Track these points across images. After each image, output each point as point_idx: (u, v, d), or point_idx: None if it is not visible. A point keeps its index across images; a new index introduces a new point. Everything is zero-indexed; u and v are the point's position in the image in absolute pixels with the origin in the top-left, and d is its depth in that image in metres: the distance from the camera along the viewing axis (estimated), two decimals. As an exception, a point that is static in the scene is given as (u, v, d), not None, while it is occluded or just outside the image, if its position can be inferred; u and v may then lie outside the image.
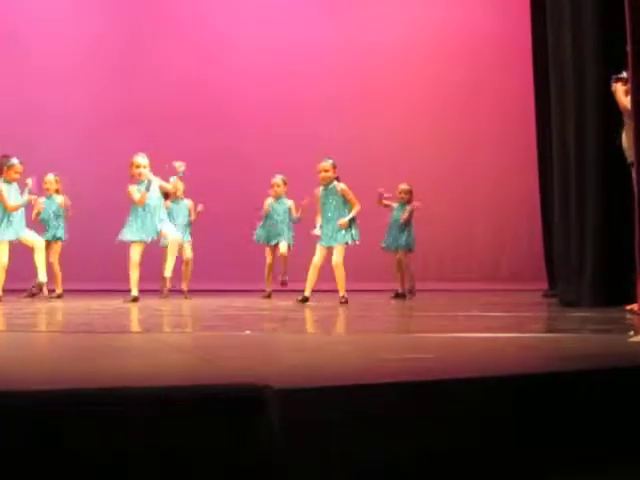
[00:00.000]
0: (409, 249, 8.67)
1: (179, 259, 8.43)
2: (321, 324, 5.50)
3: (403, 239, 8.59)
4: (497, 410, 2.19)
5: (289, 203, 8.90)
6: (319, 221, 7.54)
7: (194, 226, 9.07)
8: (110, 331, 4.50)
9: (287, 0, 12.00)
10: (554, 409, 2.25)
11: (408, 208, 8.56)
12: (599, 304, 5.93)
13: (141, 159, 7.81)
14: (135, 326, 5.25)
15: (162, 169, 7.95)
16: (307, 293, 7.41)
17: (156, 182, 7.80)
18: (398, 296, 8.44)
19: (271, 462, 1.90)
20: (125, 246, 9.80)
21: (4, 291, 7.95)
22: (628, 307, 5.41)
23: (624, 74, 5.40)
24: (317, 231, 7.54)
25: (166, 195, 8.24)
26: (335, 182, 7.47)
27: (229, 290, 9.80)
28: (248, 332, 4.22)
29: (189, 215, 8.93)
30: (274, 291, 8.87)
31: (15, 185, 8.05)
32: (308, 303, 7.27)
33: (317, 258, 7.46)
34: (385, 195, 8.44)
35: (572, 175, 6.57)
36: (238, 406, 1.91)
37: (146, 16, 11.66)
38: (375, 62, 11.60)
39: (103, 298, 8.36)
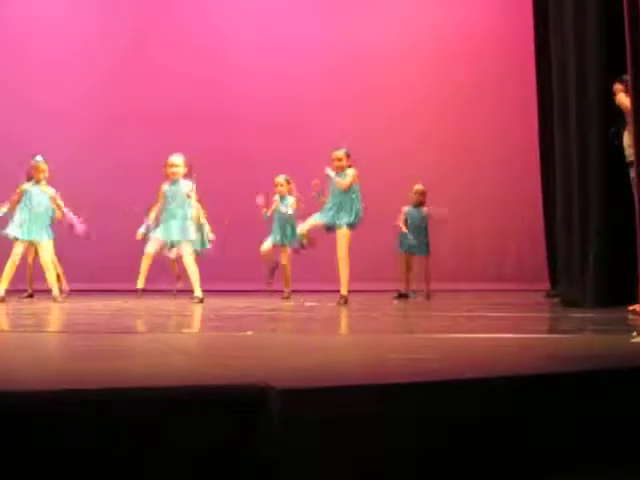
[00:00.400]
0: (426, 254, 8.66)
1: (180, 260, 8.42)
2: (323, 324, 5.50)
3: (425, 243, 8.57)
4: (499, 410, 2.19)
5: (292, 202, 8.87)
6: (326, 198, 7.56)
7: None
8: (112, 331, 4.50)
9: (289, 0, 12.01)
10: (556, 410, 2.25)
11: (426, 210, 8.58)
12: (601, 304, 5.92)
13: (176, 158, 7.78)
14: (137, 327, 5.25)
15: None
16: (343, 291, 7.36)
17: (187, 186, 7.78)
18: (401, 296, 8.43)
19: (273, 462, 1.90)
20: (127, 246, 9.81)
21: (8, 292, 7.95)
22: (630, 307, 5.41)
23: (626, 77, 5.41)
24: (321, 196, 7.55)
25: None
26: (348, 169, 7.47)
27: (231, 290, 9.80)
28: (250, 333, 4.22)
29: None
30: (273, 291, 8.88)
31: (42, 186, 7.99)
32: (310, 303, 7.28)
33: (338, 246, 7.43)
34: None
35: (574, 175, 6.57)
36: (240, 406, 1.91)
37: (148, 15, 11.66)
38: (377, 61, 11.60)
39: (106, 299, 8.36)
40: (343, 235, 7.34)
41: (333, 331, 5.07)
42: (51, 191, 8.02)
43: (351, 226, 7.36)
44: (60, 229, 8.29)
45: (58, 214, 8.05)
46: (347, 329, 5.27)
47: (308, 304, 7.40)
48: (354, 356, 3.13)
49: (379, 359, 2.89)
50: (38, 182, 7.97)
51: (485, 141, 11.50)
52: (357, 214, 7.38)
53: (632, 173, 5.76)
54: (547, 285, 8.97)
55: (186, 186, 7.83)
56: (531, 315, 5.88)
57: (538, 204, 9.58)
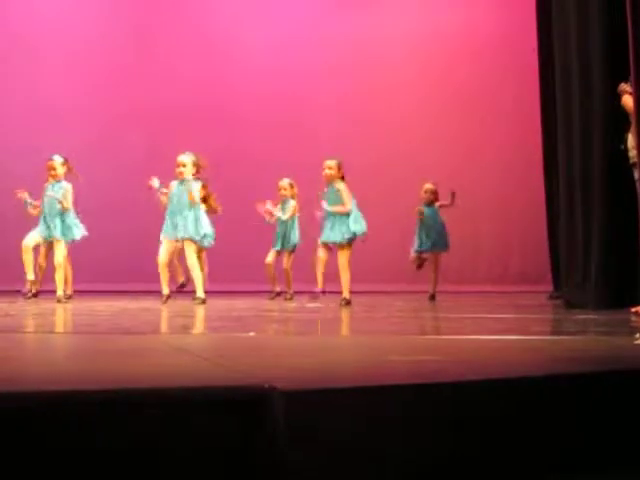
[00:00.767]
0: (443, 250, 8.64)
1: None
2: (326, 325, 5.50)
3: (438, 240, 8.55)
4: (502, 412, 2.18)
5: (292, 204, 8.86)
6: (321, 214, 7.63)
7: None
8: (115, 332, 4.50)
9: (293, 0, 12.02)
10: (559, 411, 2.25)
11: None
12: (604, 306, 5.92)
13: (183, 158, 7.75)
14: (140, 327, 5.25)
15: (169, 170, 7.89)
16: (320, 286, 7.42)
17: (195, 185, 7.75)
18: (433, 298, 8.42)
19: (276, 463, 1.90)
20: (129, 246, 9.84)
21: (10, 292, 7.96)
22: (633, 309, 5.40)
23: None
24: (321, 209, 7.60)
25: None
26: (338, 181, 7.48)
27: (234, 291, 9.80)
28: (252, 334, 4.22)
29: None
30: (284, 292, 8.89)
31: (60, 184, 8.00)
32: (314, 304, 7.28)
33: (320, 254, 7.49)
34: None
35: (577, 177, 6.57)
36: (243, 407, 1.91)
37: (152, 14, 11.67)
38: (380, 62, 11.60)
39: (108, 299, 8.37)
40: (343, 252, 7.40)
41: (335, 332, 5.07)
42: (59, 189, 8.00)
43: (351, 240, 7.41)
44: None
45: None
46: (350, 330, 5.27)
47: (310, 305, 7.41)
48: (357, 357, 3.13)
49: (382, 360, 2.89)
50: (53, 181, 8.00)
51: (488, 143, 11.49)
52: (357, 228, 7.41)
53: (636, 174, 5.76)
54: (550, 287, 8.96)
55: (194, 185, 7.76)
56: (534, 317, 5.88)
57: (541, 205, 9.57)
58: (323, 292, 7.43)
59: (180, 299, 8.51)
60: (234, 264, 10.49)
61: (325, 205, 7.44)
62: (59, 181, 8.00)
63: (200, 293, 7.62)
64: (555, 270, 8.78)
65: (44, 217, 7.94)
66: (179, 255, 8.39)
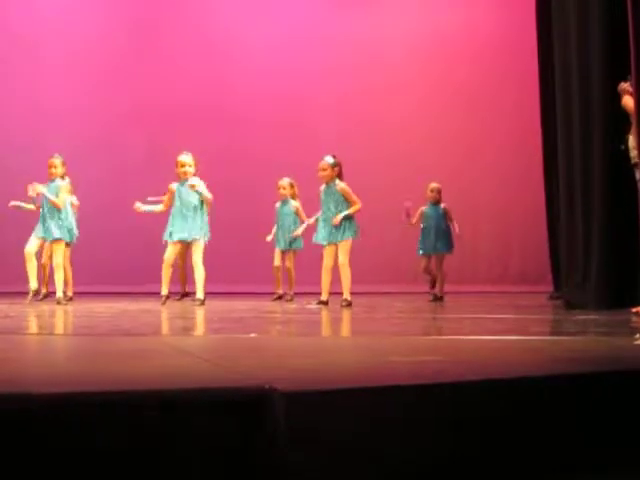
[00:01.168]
0: (447, 251, 8.62)
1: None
2: (327, 326, 5.50)
3: (442, 241, 8.52)
4: (502, 412, 2.19)
5: (295, 206, 8.86)
6: (318, 215, 7.63)
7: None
8: (115, 334, 4.50)
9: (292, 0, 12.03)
10: (559, 411, 2.25)
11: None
12: (605, 306, 5.92)
13: (185, 158, 7.74)
14: (141, 329, 5.25)
15: (169, 169, 7.88)
16: (324, 297, 7.43)
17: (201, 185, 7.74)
18: (437, 298, 8.40)
19: (277, 464, 1.91)
20: (129, 248, 9.82)
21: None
22: (634, 309, 5.40)
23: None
24: (310, 221, 7.66)
25: None
26: (336, 181, 7.48)
27: (235, 292, 9.80)
28: (253, 335, 4.22)
29: None
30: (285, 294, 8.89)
31: (56, 182, 7.99)
32: (322, 306, 7.28)
33: (326, 260, 7.49)
34: (406, 205, 8.40)
35: (577, 177, 6.57)
36: (244, 408, 1.91)
37: (152, 14, 11.69)
38: (380, 62, 11.61)
39: (108, 301, 8.37)
40: (344, 246, 7.39)
41: (336, 333, 5.07)
42: (54, 187, 7.99)
43: (352, 238, 7.42)
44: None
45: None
46: (350, 331, 5.27)
47: (310, 306, 7.41)
48: (357, 358, 3.13)
49: (382, 361, 2.89)
50: (51, 179, 7.99)
51: (488, 143, 11.50)
52: (352, 235, 7.41)
53: (637, 175, 5.76)
54: (550, 287, 8.96)
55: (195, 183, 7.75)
56: (534, 317, 5.88)
57: (541, 206, 9.56)
58: (326, 303, 7.42)
59: (184, 299, 8.51)
60: (234, 265, 10.49)
61: (337, 221, 7.41)
62: (54, 180, 7.99)
63: (200, 294, 7.62)
64: (555, 270, 8.78)
65: (43, 217, 7.92)
66: (185, 259, 8.40)
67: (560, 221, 7.19)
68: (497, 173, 11.43)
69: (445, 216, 8.55)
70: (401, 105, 11.50)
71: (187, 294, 8.71)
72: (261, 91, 11.44)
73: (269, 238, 8.77)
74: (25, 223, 8.24)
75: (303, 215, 8.71)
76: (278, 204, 8.93)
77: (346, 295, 7.37)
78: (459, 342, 3.75)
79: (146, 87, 11.37)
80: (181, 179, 7.73)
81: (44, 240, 8.00)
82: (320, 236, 7.52)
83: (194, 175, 7.76)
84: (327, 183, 7.51)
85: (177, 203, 7.71)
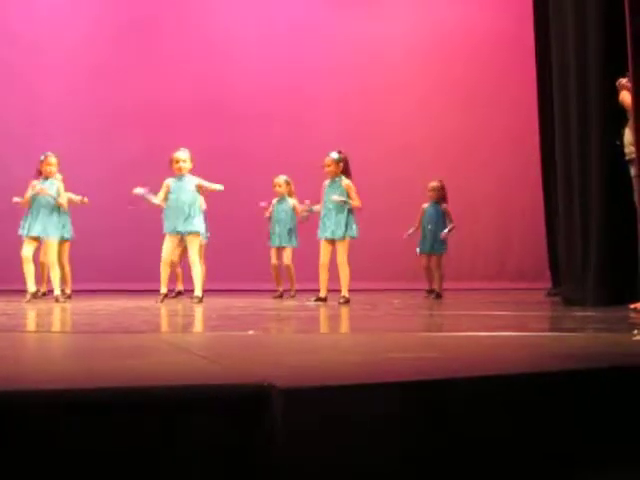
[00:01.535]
0: (442, 252, 8.63)
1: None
2: (325, 323, 5.50)
3: (438, 242, 8.53)
4: (500, 408, 2.19)
5: (292, 203, 8.87)
6: (319, 209, 7.63)
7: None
8: (114, 331, 4.50)
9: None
10: (557, 408, 2.25)
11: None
12: (603, 303, 5.92)
13: (181, 154, 7.73)
14: (139, 326, 5.24)
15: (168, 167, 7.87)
16: (322, 294, 7.43)
17: (193, 180, 7.72)
18: (431, 292, 8.42)
19: (275, 461, 1.91)
20: (127, 245, 9.78)
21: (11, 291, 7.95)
22: (632, 306, 5.41)
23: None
24: (316, 208, 7.58)
25: None
26: (342, 177, 7.49)
27: (233, 290, 9.81)
28: (251, 332, 4.22)
29: None
30: (285, 291, 8.89)
31: (51, 180, 7.98)
32: (320, 303, 7.28)
33: (323, 257, 7.48)
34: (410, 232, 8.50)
35: (575, 173, 6.57)
36: (242, 406, 1.91)
37: (151, 14, 11.70)
38: (378, 61, 11.62)
39: (107, 298, 8.37)
40: (343, 245, 7.39)
41: (335, 330, 5.08)
42: (51, 185, 7.98)
43: (352, 237, 7.41)
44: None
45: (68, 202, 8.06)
46: (349, 328, 5.27)
47: (308, 303, 7.41)
48: (356, 355, 3.13)
49: (381, 358, 2.89)
50: (46, 177, 7.97)
51: (486, 141, 11.51)
52: (352, 234, 7.41)
53: (633, 171, 5.76)
54: (548, 283, 8.98)
55: (192, 180, 7.76)
56: (532, 313, 5.88)
57: (539, 203, 9.58)
58: (324, 299, 7.42)
59: (178, 297, 8.52)
60: (232, 263, 10.49)
61: (336, 198, 7.39)
62: (47, 178, 7.97)
63: (198, 292, 7.61)
64: (553, 267, 8.79)
65: (36, 214, 7.87)
66: (182, 259, 8.39)
67: (558, 217, 7.20)
68: (495, 170, 11.44)
69: (444, 216, 8.56)
70: (399, 104, 11.51)
71: (181, 292, 8.72)
72: (260, 90, 11.44)
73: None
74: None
75: (300, 212, 8.74)
76: (275, 201, 8.94)
77: (344, 292, 7.38)
78: (457, 338, 3.75)
79: (145, 85, 11.37)
80: (176, 175, 7.74)
81: (38, 239, 7.99)
82: (327, 230, 7.48)
83: (189, 171, 7.75)
84: (332, 179, 7.52)
85: (172, 197, 7.70)
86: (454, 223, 8.51)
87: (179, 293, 8.75)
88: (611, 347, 3.25)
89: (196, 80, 11.48)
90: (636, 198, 5.74)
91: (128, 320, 5.59)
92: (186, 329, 5.04)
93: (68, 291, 8.47)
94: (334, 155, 7.51)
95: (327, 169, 7.51)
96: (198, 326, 5.34)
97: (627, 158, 5.78)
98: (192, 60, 11.56)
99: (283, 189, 8.91)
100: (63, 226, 8.10)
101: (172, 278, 8.60)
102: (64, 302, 7.72)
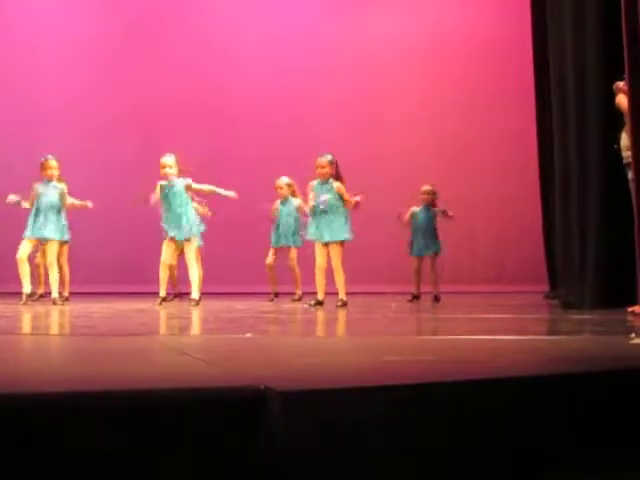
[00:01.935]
0: (438, 253, 8.62)
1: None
2: (322, 326, 5.50)
3: (432, 244, 8.52)
4: (497, 412, 2.19)
5: (296, 204, 8.85)
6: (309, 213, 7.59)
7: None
8: (112, 334, 4.50)
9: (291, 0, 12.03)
10: (555, 411, 2.25)
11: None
12: (600, 306, 5.92)
13: (167, 159, 7.72)
14: (137, 329, 5.24)
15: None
16: (320, 297, 7.42)
17: (181, 182, 7.70)
18: (415, 298, 8.41)
19: (273, 464, 1.91)
20: (125, 248, 9.77)
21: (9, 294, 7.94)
22: (630, 309, 5.41)
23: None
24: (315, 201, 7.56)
25: None
26: (331, 179, 7.48)
27: (231, 293, 9.80)
28: (249, 335, 4.22)
29: None
30: (281, 293, 8.89)
31: (53, 183, 7.99)
32: (318, 306, 7.28)
33: (319, 260, 7.46)
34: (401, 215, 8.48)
35: (573, 176, 6.58)
36: (240, 408, 1.91)
37: (150, 15, 11.69)
38: (377, 62, 11.62)
39: (104, 301, 8.36)
40: (337, 248, 7.38)
41: (332, 333, 5.08)
42: (54, 188, 7.99)
43: (347, 240, 7.40)
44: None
45: (68, 206, 8.07)
46: (346, 331, 5.27)
47: (306, 306, 7.41)
48: (353, 358, 3.13)
49: (378, 361, 2.89)
50: (48, 180, 7.97)
51: (484, 143, 11.51)
52: (348, 228, 7.39)
53: (630, 175, 5.76)
54: (546, 287, 8.97)
55: (181, 183, 7.72)
56: (530, 317, 5.89)
57: (537, 205, 9.58)
58: (322, 303, 7.40)
59: (176, 300, 8.51)
60: (231, 265, 10.49)
61: (323, 198, 7.36)
62: (51, 181, 7.99)
63: (195, 294, 7.60)
64: (551, 270, 8.79)
65: (37, 217, 7.88)
66: (178, 263, 8.38)
67: (556, 221, 7.20)
68: (493, 173, 11.44)
69: (435, 219, 8.58)
70: (398, 105, 11.51)
71: (179, 294, 8.71)
72: (260, 91, 11.44)
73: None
74: (24, 223, 8.22)
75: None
76: (278, 203, 8.94)
77: (342, 295, 7.37)
78: (455, 342, 3.76)
79: (144, 87, 11.37)
80: (166, 180, 7.73)
81: (38, 240, 7.99)
82: (317, 233, 7.46)
83: (177, 176, 7.71)
84: (322, 181, 7.49)
85: (166, 203, 7.70)
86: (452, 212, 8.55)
87: (176, 295, 8.75)
88: (608, 350, 3.25)
89: (196, 82, 11.48)
90: (634, 202, 5.74)
91: (126, 323, 5.59)
92: (184, 332, 5.04)
93: (66, 293, 8.46)
94: (329, 157, 7.51)
95: (322, 170, 7.47)
96: (196, 329, 5.34)
97: (625, 162, 5.78)
98: (191, 62, 11.57)
99: (285, 191, 8.91)
100: (62, 228, 8.10)
101: (170, 281, 8.59)
102: (62, 304, 7.72)
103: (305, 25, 11.73)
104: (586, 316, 5.38)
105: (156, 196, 7.65)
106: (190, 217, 7.69)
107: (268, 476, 1.91)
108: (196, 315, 6.37)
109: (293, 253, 8.87)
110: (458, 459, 2.11)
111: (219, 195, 7.93)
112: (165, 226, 7.66)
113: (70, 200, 8.22)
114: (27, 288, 7.85)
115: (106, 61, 11.47)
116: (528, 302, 7.68)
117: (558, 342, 3.75)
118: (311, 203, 7.47)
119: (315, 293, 7.51)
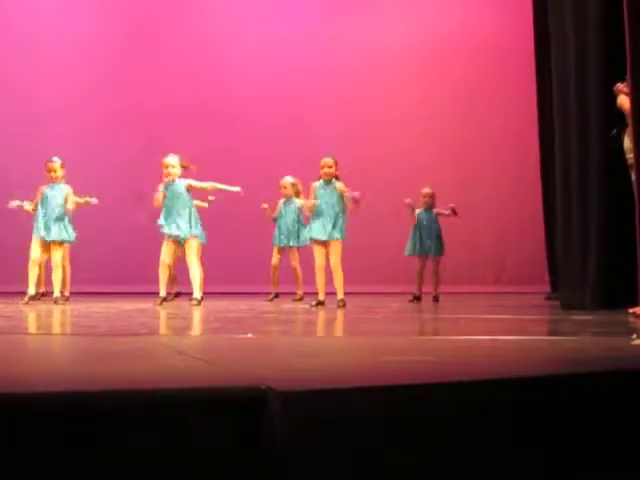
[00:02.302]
0: (441, 254, 8.63)
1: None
2: (323, 326, 5.50)
3: (435, 244, 8.53)
4: (498, 412, 2.19)
5: (299, 204, 8.85)
6: (308, 211, 7.58)
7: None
8: (113, 334, 4.50)
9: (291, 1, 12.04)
10: (556, 412, 2.25)
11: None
12: (601, 307, 5.92)
13: (170, 159, 7.72)
14: (138, 329, 5.24)
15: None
16: (321, 297, 7.42)
17: (182, 183, 7.70)
18: (416, 299, 8.42)
19: (273, 464, 1.91)
20: (126, 248, 9.77)
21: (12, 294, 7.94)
22: (631, 310, 5.41)
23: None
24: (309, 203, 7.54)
25: None
26: (334, 179, 7.49)
27: (232, 292, 9.80)
28: (250, 335, 4.22)
29: None
30: (281, 293, 8.89)
31: (58, 185, 8.00)
32: (318, 307, 7.27)
33: (318, 260, 7.46)
34: (408, 201, 8.46)
35: (574, 177, 6.57)
36: (240, 408, 1.91)
37: (150, 15, 11.70)
38: (377, 62, 11.63)
39: (105, 301, 8.36)
40: (335, 248, 7.38)
41: (332, 333, 5.08)
42: (66, 189, 8.00)
43: (342, 240, 7.42)
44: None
45: (74, 207, 8.08)
46: (346, 331, 5.27)
47: (306, 306, 7.41)
48: (354, 358, 3.13)
49: (378, 361, 2.89)
50: (53, 182, 7.98)
51: (485, 144, 11.51)
52: (343, 237, 7.41)
53: (633, 176, 5.76)
54: (547, 288, 8.97)
55: (182, 183, 7.73)
56: (531, 317, 5.89)
57: (538, 206, 9.59)
58: (322, 303, 7.39)
59: (177, 300, 8.51)
60: (232, 265, 10.49)
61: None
62: (58, 183, 8.00)
63: (197, 294, 7.60)
64: (552, 271, 8.79)
65: (43, 219, 7.90)
66: (176, 263, 8.37)
67: (557, 221, 7.20)
68: (494, 173, 11.45)
69: (437, 220, 8.60)
70: (398, 105, 11.51)
71: (178, 294, 8.71)
72: (259, 91, 11.45)
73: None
74: (24, 223, 8.23)
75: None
76: (281, 202, 8.95)
77: (341, 295, 7.38)
78: (455, 342, 3.75)
79: (145, 87, 11.38)
80: (167, 181, 7.73)
81: (44, 241, 7.99)
82: (318, 232, 7.46)
83: (180, 177, 7.71)
84: (325, 181, 7.50)
85: (167, 203, 7.69)
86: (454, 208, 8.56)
87: (176, 295, 8.75)
88: (609, 351, 3.25)
89: (196, 82, 11.48)
90: (636, 203, 5.73)
91: (127, 322, 5.59)
92: (185, 332, 5.03)
93: (67, 293, 8.47)
94: (331, 157, 7.53)
95: (329, 170, 7.48)
96: (197, 329, 5.34)
97: (628, 164, 5.77)
98: (192, 62, 11.57)
99: (289, 190, 8.93)
100: (68, 229, 8.11)
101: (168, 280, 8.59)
102: (63, 304, 7.72)
103: (305, 25, 11.73)
104: (587, 317, 5.38)
105: (159, 198, 7.66)
106: (191, 217, 7.70)
107: (268, 476, 1.91)
108: (196, 315, 6.37)
109: (295, 253, 8.89)
110: (458, 459, 2.10)
111: (223, 191, 7.93)
112: (165, 226, 7.65)
113: (74, 199, 8.22)
114: (32, 290, 7.86)
115: (106, 61, 11.47)
116: (529, 303, 7.68)
117: (559, 343, 3.75)
118: (314, 202, 7.47)
119: (316, 293, 7.51)
